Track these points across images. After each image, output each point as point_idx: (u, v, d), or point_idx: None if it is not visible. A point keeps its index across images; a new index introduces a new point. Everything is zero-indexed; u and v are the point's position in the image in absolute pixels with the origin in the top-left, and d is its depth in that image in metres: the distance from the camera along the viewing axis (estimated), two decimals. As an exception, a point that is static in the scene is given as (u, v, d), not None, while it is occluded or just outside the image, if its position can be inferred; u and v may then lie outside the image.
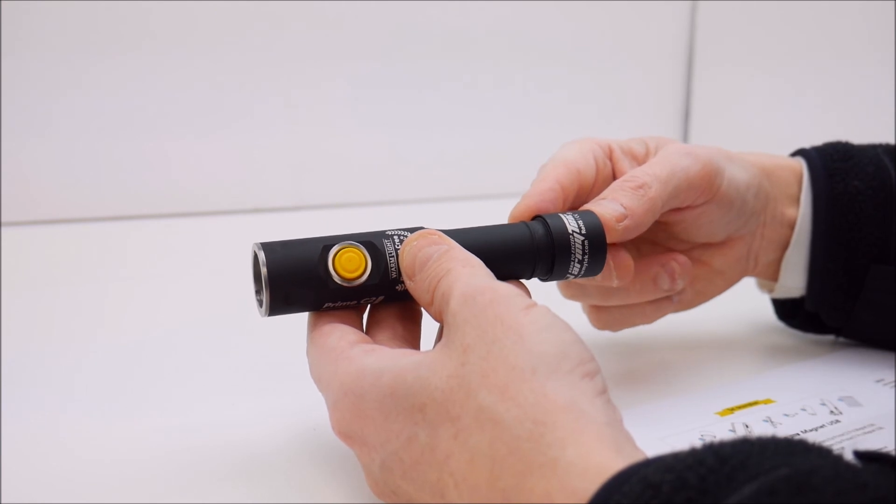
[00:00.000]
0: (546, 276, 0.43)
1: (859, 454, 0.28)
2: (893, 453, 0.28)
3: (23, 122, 0.83)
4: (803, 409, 0.47)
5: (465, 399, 0.32)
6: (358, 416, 0.35)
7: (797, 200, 0.53)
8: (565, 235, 0.42)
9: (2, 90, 0.81)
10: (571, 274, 0.43)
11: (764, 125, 1.06)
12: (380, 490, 0.36)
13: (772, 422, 0.46)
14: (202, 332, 0.60)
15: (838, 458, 0.27)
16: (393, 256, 0.39)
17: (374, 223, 0.43)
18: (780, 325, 0.59)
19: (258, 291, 0.39)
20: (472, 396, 0.32)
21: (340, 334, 0.37)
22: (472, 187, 1.02)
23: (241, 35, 0.90)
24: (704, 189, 0.48)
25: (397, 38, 0.96)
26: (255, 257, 0.39)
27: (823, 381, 0.52)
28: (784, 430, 0.45)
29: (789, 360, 0.55)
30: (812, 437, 0.44)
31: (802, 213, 0.53)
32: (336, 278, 0.38)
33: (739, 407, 0.48)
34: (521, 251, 0.41)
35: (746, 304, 0.61)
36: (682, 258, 0.50)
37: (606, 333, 0.54)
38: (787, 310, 0.58)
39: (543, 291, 0.45)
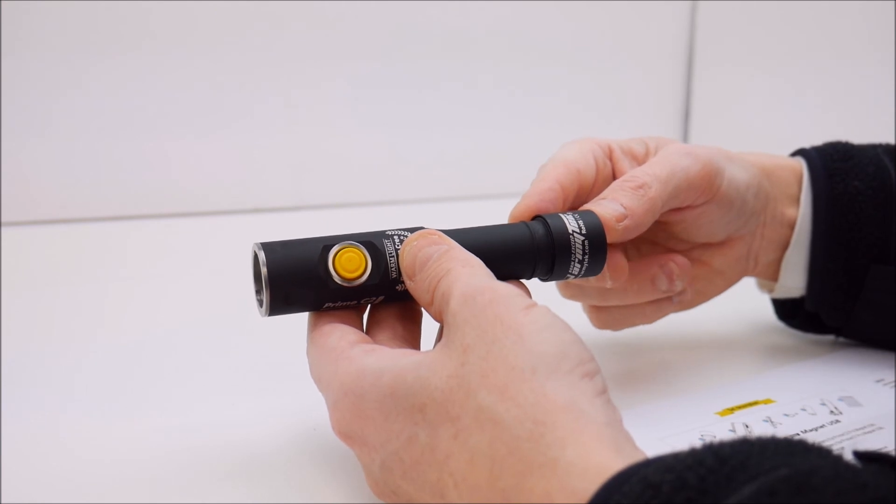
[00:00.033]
0: (546, 276, 0.43)
1: (859, 454, 0.28)
2: (893, 453, 0.28)
3: (23, 122, 0.83)
4: (803, 409, 0.47)
5: (465, 399, 0.32)
6: (358, 416, 0.35)
7: (797, 200, 0.53)
8: (565, 235, 0.42)
9: (2, 90, 0.81)
10: (572, 274, 0.43)
11: (764, 125, 1.06)
12: (380, 490, 0.36)
13: (772, 422, 0.46)
14: (202, 332, 0.60)
15: (838, 459, 0.27)
16: (393, 256, 0.39)
17: (374, 223, 0.43)
18: (780, 325, 0.59)
19: (258, 291, 0.39)
20: (472, 396, 0.32)
21: (340, 334, 0.37)
22: (472, 187, 1.02)
23: (241, 35, 0.90)
24: (704, 189, 0.48)
25: (397, 38, 0.96)
26: (255, 257, 0.39)
27: (823, 381, 0.52)
28: (784, 430, 0.45)
29: (789, 360, 0.55)
30: (812, 437, 0.44)
31: (802, 213, 0.53)
32: (336, 278, 0.38)
33: (739, 407, 0.48)
34: (522, 251, 0.41)
35: (746, 304, 0.61)
36: (680, 259, 0.50)
37: (606, 333, 0.54)
38: (787, 310, 0.58)
39: (543, 292, 0.45)
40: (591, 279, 0.47)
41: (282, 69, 0.92)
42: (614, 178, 0.49)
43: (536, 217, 0.43)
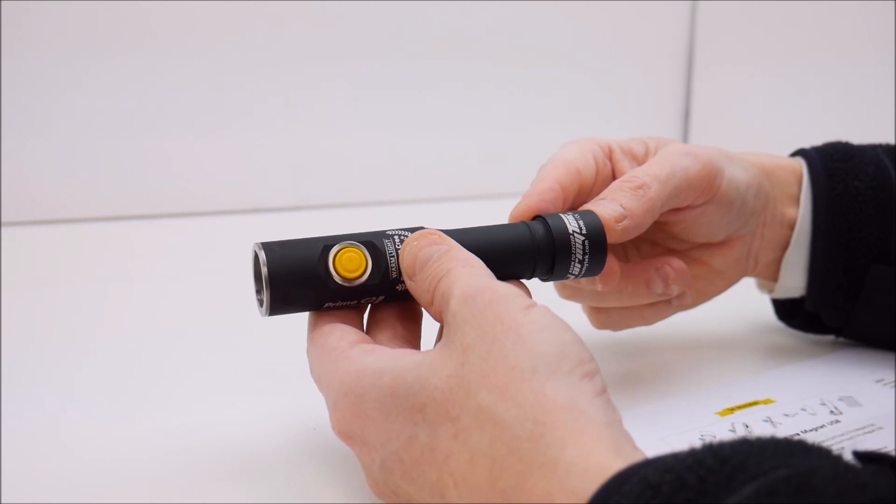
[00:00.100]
0: (546, 276, 0.43)
1: (859, 454, 0.28)
2: (893, 453, 0.28)
3: (23, 122, 0.83)
4: (803, 409, 0.47)
5: (465, 399, 0.32)
6: (358, 416, 0.35)
7: (797, 200, 0.53)
8: (566, 235, 0.42)
9: (2, 90, 0.81)
10: (572, 274, 0.43)
11: (764, 125, 1.06)
12: (380, 490, 0.36)
13: (772, 422, 0.46)
14: (202, 332, 0.60)
15: (838, 459, 0.27)
16: (393, 256, 0.39)
17: (374, 223, 0.43)
18: (780, 325, 0.59)
19: (258, 291, 0.39)
20: (472, 396, 0.32)
21: (341, 334, 0.37)
22: (472, 187, 1.02)
23: (241, 35, 0.90)
24: (704, 189, 0.48)
25: (397, 38, 0.96)
26: (256, 257, 0.39)
27: (823, 381, 0.52)
28: (784, 430, 0.45)
29: (789, 360, 0.55)
30: (812, 437, 0.44)
31: (802, 214, 0.53)
32: (336, 278, 0.38)
33: (739, 407, 0.48)
34: (522, 251, 0.41)
35: (746, 304, 0.61)
36: (677, 263, 0.50)
37: (606, 334, 0.54)
38: (787, 310, 0.58)
39: (543, 292, 0.45)
40: (583, 281, 0.47)
41: (282, 69, 0.92)
42: (614, 178, 0.49)
43: (536, 217, 0.43)
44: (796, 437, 0.29)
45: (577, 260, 0.42)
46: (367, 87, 0.96)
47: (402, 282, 0.39)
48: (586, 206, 0.45)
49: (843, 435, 0.45)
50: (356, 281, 0.38)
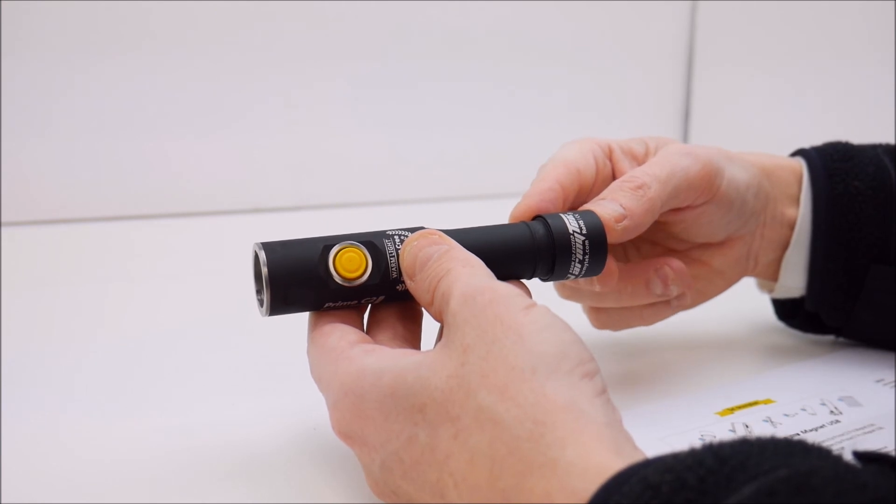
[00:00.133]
0: (547, 276, 0.43)
1: (859, 455, 0.28)
2: (893, 453, 0.28)
3: (23, 122, 0.83)
4: (803, 409, 0.47)
5: (465, 399, 0.32)
6: (358, 416, 0.35)
7: (797, 200, 0.53)
8: (566, 235, 0.42)
9: (2, 90, 0.81)
10: (572, 274, 0.43)
11: (764, 125, 1.06)
12: (380, 490, 0.36)
13: (772, 422, 0.46)
14: (202, 332, 0.60)
15: (838, 459, 0.27)
16: (393, 256, 0.39)
17: (374, 223, 0.43)
18: (780, 325, 0.59)
19: (259, 291, 0.39)
20: (472, 396, 0.32)
21: (341, 334, 0.37)
22: (472, 187, 1.02)
23: (241, 35, 0.90)
24: (704, 189, 0.48)
25: (397, 38, 0.96)
26: (256, 257, 0.39)
27: (823, 381, 0.52)
28: (784, 430, 0.45)
29: (789, 360, 0.55)
30: (812, 437, 0.44)
31: (802, 214, 0.53)
32: (336, 278, 0.38)
33: (739, 407, 0.48)
34: (522, 251, 0.41)
35: (746, 304, 0.61)
36: (676, 264, 0.50)
37: (606, 334, 0.54)
38: (787, 310, 0.58)
39: (543, 292, 0.45)
40: (582, 282, 0.47)
41: (282, 69, 0.92)
42: (614, 177, 0.49)
43: (537, 217, 0.43)
44: (796, 437, 0.29)
45: (577, 260, 0.42)
46: (367, 87, 0.96)
47: (403, 282, 0.39)
48: (586, 206, 0.45)
49: (843, 435, 0.45)
50: (356, 281, 0.38)
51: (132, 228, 0.87)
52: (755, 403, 0.48)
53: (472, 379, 0.32)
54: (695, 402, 0.49)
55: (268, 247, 0.38)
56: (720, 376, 0.53)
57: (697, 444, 0.28)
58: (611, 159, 0.49)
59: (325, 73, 0.94)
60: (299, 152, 0.95)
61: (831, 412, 0.47)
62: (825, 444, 0.28)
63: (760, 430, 0.45)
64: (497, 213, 0.47)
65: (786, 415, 0.47)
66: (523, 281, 0.42)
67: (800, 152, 0.55)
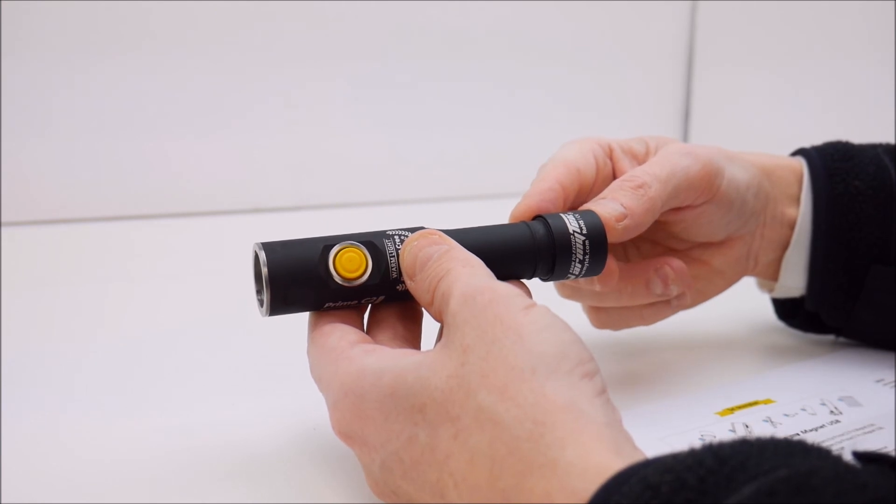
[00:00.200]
0: (547, 276, 0.43)
1: (858, 455, 0.28)
2: (893, 453, 0.28)
3: (23, 122, 0.83)
4: (803, 409, 0.47)
5: (465, 399, 0.32)
6: (358, 417, 0.35)
7: (797, 200, 0.53)
8: (566, 235, 0.42)
9: (2, 90, 0.81)
10: (573, 274, 0.43)
11: (764, 125, 1.06)
12: (380, 490, 0.36)
13: (772, 422, 0.46)
14: (202, 332, 0.60)
15: (838, 459, 0.27)
16: (393, 256, 0.39)
17: (374, 223, 0.43)
18: (780, 325, 0.59)
19: (259, 291, 0.39)
20: (472, 396, 0.32)
21: (341, 334, 0.37)
22: (472, 187, 1.02)
23: (241, 35, 0.90)
24: (704, 189, 0.48)
25: (397, 38, 0.96)
26: (256, 257, 0.39)
27: (823, 381, 0.52)
28: (784, 430, 0.45)
29: (789, 360, 0.55)
30: (812, 437, 0.44)
31: (803, 213, 0.53)
32: (337, 278, 0.38)
33: (739, 407, 0.48)
34: (522, 251, 0.41)
35: (746, 304, 0.61)
36: (676, 263, 0.50)
37: (606, 333, 0.54)
38: (787, 309, 0.58)
39: (543, 292, 0.45)
40: (582, 282, 0.47)
41: (282, 69, 0.92)
42: (614, 177, 0.49)
43: (537, 217, 0.43)
44: (796, 437, 0.29)
45: (577, 260, 0.42)
46: (367, 87, 0.96)
47: (403, 282, 0.39)
48: (587, 206, 0.45)
49: (843, 435, 0.45)
50: (356, 281, 0.38)
51: (132, 228, 0.87)
52: (755, 403, 0.48)
53: (472, 379, 0.32)
54: (695, 402, 0.49)
55: (268, 247, 0.38)
56: (720, 376, 0.53)
57: (697, 444, 0.28)
58: (611, 159, 0.50)
59: (325, 73, 0.94)
60: (299, 152, 0.95)
61: (831, 412, 0.47)
62: (825, 444, 0.28)
63: (760, 430, 0.45)
64: (497, 213, 0.47)
65: (786, 415, 0.47)
66: (523, 281, 0.42)
67: (800, 152, 0.55)
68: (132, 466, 0.41)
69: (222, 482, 0.40)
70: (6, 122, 0.82)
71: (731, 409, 0.47)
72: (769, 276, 0.55)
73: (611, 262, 0.45)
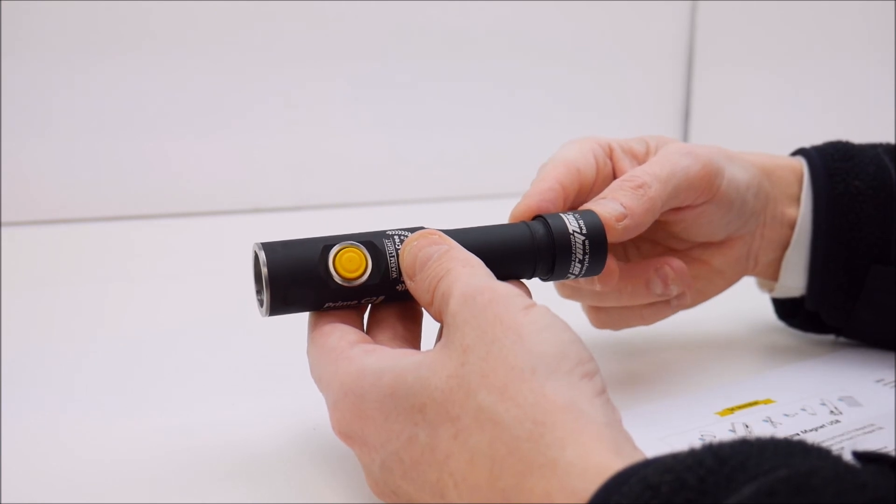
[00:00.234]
0: (547, 276, 0.43)
1: (858, 455, 0.28)
2: (893, 453, 0.28)
3: (23, 122, 0.83)
4: (803, 409, 0.47)
5: (465, 399, 0.32)
6: (358, 417, 0.35)
7: (797, 200, 0.53)
8: (566, 235, 0.42)
9: (2, 90, 0.81)
10: (572, 274, 0.43)
11: (764, 125, 1.06)
12: (380, 490, 0.36)
13: (772, 422, 0.46)
14: (202, 332, 0.60)
15: (838, 459, 0.27)
16: (393, 256, 0.39)
17: (374, 223, 0.43)
18: (780, 324, 0.59)
19: (259, 291, 0.39)
20: (472, 396, 0.32)
21: (341, 334, 0.37)
22: (472, 187, 1.02)
23: (241, 35, 0.90)
24: (704, 189, 0.48)
25: (397, 38, 0.96)
26: (256, 257, 0.39)
27: (823, 381, 0.52)
28: (784, 430, 0.45)
29: (789, 360, 0.55)
30: (812, 437, 0.44)
31: (803, 213, 0.53)
32: (336, 278, 0.38)
33: (739, 407, 0.48)
34: (522, 251, 0.41)
35: (746, 304, 0.61)
36: (676, 263, 0.50)
37: (606, 333, 0.54)
38: (787, 309, 0.58)
39: (543, 291, 0.45)
40: (582, 281, 0.47)
41: (282, 69, 0.92)
42: (615, 177, 0.49)
43: (537, 217, 0.43)
44: (796, 437, 0.29)
45: (577, 260, 0.42)
46: (367, 87, 0.96)
47: (403, 282, 0.39)
48: (587, 205, 0.45)
49: (843, 435, 0.45)
50: (356, 281, 0.38)
51: (132, 228, 0.87)
52: (755, 403, 0.48)
53: (472, 379, 0.32)
54: (695, 402, 0.49)
55: (268, 247, 0.38)
56: (720, 376, 0.53)
57: (697, 444, 0.28)
58: (611, 158, 0.50)
59: (325, 73, 0.94)
60: (299, 152, 0.95)
61: (831, 412, 0.47)
62: (825, 444, 0.28)
63: (760, 430, 0.45)
64: (497, 213, 0.47)
65: (786, 415, 0.47)
66: (523, 281, 0.42)
67: (800, 152, 0.55)
68: (132, 466, 0.41)
69: (222, 482, 0.40)
70: (6, 122, 0.82)
71: (731, 409, 0.47)
72: (769, 275, 0.55)
73: (611, 262, 0.45)
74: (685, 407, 0.48)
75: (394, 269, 0.39)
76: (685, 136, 1.14)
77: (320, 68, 0.93)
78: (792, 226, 0.53)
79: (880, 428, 0.45)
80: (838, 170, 0.52)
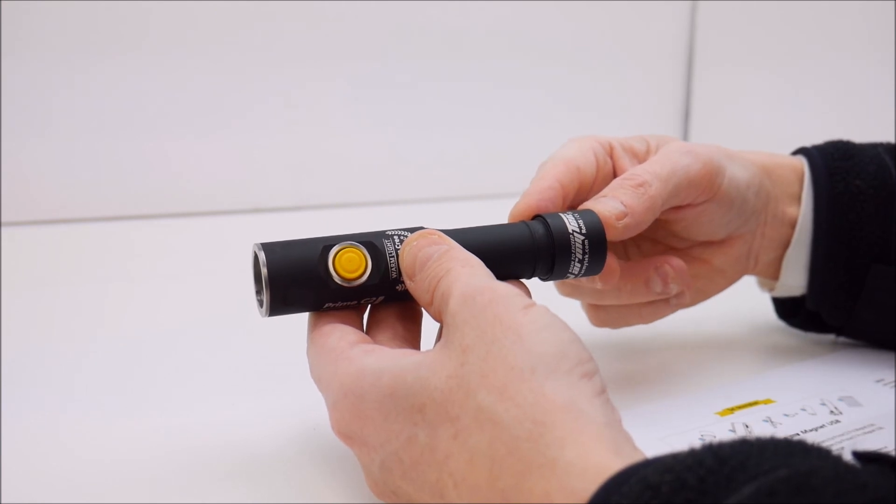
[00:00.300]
0: (546, 276, 0.43)
1: (858, 454, 0.28)
2: (893, 453, 0.28)
3: (23, 122, 0.83)
4: (803, 409, 0.47)
5: (465, 399, 0.32)
6: (358, 417, 0.35)
7: (798, 199, 0.53)
8: (566, 235, 0.42)
9: (2, 90, 0.81)
10: (572, 273, 0.43)
11: (764, 125, 1.06)
12: (379, 490, 0.36)
13: (772, 422, 0.46)
14: (202, 332, 0.60)
15: (838, 459, 0.27)
16: (393, 256, 0.39)
17: (374, 223, 0.43)
18: (781, 324, 0.59)
19: (258, 292, 0.39)
20: (472, 396, 0.32)
21: (340, 334, 0.37)
22: (472, 187, 1.02)
23: (240, 35, 0.89)
24: (705, 188, 0.48)
25: (397, 38, 0.96)
26: (256, 257, 0.39)
27: (823, 381, 0.52)
28: (784, 430, 0.45)
29: (789, 360, 0.55)
30: (812, 437, 0.44)
31: (804, 212, 0.53)
32: (336, 278, 0.38)
33: (739, 407, 0.48)
34: (522, 251, 0.41)
35: (746, 303, 0.61)
36: (676, 262, 0.50)
37: (607, 333, 0.54)
38: (787, 308, 0.58)
39: (543, 291, 0.45)
40: (583, 279, 0.47)
41: (282, 69, 0.92)
42: (615, 175, 0.49)
43: (536, 217, 0.43)
44: (796, 437, 0.29)
45: (576, 259, 0.42)
46: (367, 87, 0.96)
47: (402, 282, 0.39)
48: (587, 204, 0.45)
49: (843, 435, 0.45)
50: (356, 281, 0.38)
51: (132, 228, 0.87)
52: (755, 403, 0.48)
53: (472, 379, 0.32)
54: (695, 402, 0.49)
55: (267, 247, 0.38)
56: (720, 376, 0.53)
57: (697, 444, 0.28)
58: (612, 157, 0.49)
59: (325, 73, 0.94)
60: (299, 152, 0.95)
61: (831, 412, 0.47)
62: (825, 444, 0.28)
63: (760, 430, 0.45)
64: (497, 213, 0.47)
65: (786, 415, 0.47)
66: (523, 281, 0.42)
67: (801, 151, 0.55)
68: (132, 466, 0.41)
69: (222, 482, 0.40)
70: (6, 122, 0.82)
71: (731, 409, 0.47)
72: (770, 275, 0.55)
73: (612, 260, 0.45)
74: (685, 407, 0.48)
75: (393, 269, 0.39)
76: (685, 136, 1.14)
77: (320, 68, 0.93)
78: (792, 225, 0.53)
79: (880, 428, 0.45)
80: (839, 169, 0.52)
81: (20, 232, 0.82)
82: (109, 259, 0.78)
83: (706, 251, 0.53)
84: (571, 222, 0.42)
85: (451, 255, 0.37)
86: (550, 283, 0.50)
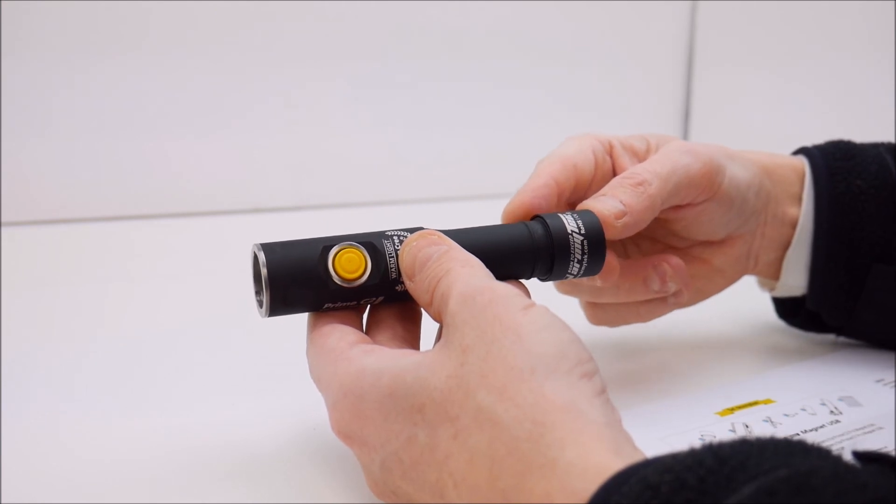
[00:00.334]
0: (545, 276, 0.43)
1: (859, 454, 0.28)
2: (893, 453, 0.28)
3: (23, 122, 0.83)
4: (803, 409, 0.47)
5: (464, 399, 0.32)
6: (357, 417, 0.35)
7: (799, 199, 0.53)
8: (564, 235, 0.42)
9: (2, 90, 0.81)
10: (571, 274, 0.43)
11: (764, 125, 1.06)
12: (379, 490, 0.36)
13: (772, 422, 0.46)
14: (202, 332, 0.60)
15: (838, 459, 0.27)
16: (393, 257, 0.39)
17: (374, 223, 0.43)
18: (781, 324, 0.59)
19: (258, 292, 0.39)
20: (471, 397, 0.32)
21: (340, 335, 0.37)
22: (472, 187, 1.02)
23: (240, 35, 0.89)
24: (705, 187, 0.48)
25: (397, 38, 0.96)
26: (255, 258, 0.39)
27: (823, 381, 0.52)
28: (784, 430, 0.45)
29: (789, 360, 0.55)
30: (812, 437, 0.44)
31: (804, 212, 0.53)
32: (336, 279, 0.38)
33: (739, 407, 0.48)
34: (521, 251, 0.41)
35: (746, 303, 0.61)
36: (675, 261, 0.50)
37: (607, 333, 0.54)
38: (787, 308, 0.58)
39: (542, 291, 0.45)
40: (583, 277, 0.47)
41: (282, 69, 0.92)
42: (614, 174, 0.49)
43: (535, 217, 0.43)
44: (796, 437, 0.29)
45: (575, 260, 0.42)
46: (367, 87, 0.96)
47: (402, 282, 0.39)
48: (585, 202, 0.45)
49: (843, 435, 0.45)
50: (356, 281, 0.38)
51: (132, 228, 0.87)
52: (755, 403, 0.48)
53: (472, 379, 0.32)
54: (695, 402, 0.49)
55: (267, 247, 0.38)
56: (720, 376, 0.53)
57: (697, 444, 0.28)
58: (611, 155, 0.49)
59: (325, 73, 0.94)
60: (299, 152, 0.95)
61: (831, 412, 0.47)
62: (825, 444, 0.28)
63: (760, 430, 0.45)
64: (497, 213, 0.47)
65: (786, 415, 0.47)
66: (522, 281, 0.42)
67: (801, 151, 0.55)
68: (132, 466, 0.41)
69: (222, 482, 0.40)
70: (6, 122, 0.82)
71: (731, 409, 0.47)
72: (770, 275, 0.55)
73: (612, 258, 0.45)
74: (685, 407, 0.48)
75: (393, 269, 0.39)
76: (685, 136, 1.14)
77: (320, 68, 0.93)
78: (793, 225, 0.53)
79: (880, 428, 0.45)
80: (840, 169, 0.52)
81: (20, 232, 0.82)
82: (109, 259, 0.78)
83: (706, 251, 0.53)
84: (570, 223, 0.42)
85: (451, 256, 0.37)
86: (549, 283, 0.50)
